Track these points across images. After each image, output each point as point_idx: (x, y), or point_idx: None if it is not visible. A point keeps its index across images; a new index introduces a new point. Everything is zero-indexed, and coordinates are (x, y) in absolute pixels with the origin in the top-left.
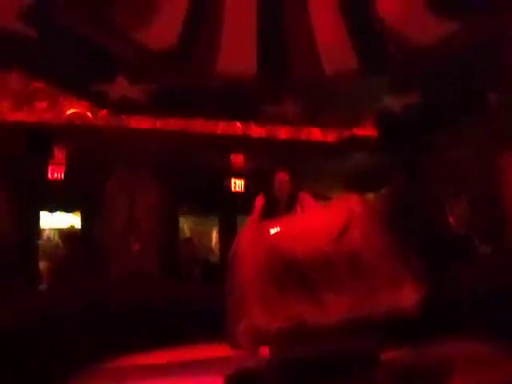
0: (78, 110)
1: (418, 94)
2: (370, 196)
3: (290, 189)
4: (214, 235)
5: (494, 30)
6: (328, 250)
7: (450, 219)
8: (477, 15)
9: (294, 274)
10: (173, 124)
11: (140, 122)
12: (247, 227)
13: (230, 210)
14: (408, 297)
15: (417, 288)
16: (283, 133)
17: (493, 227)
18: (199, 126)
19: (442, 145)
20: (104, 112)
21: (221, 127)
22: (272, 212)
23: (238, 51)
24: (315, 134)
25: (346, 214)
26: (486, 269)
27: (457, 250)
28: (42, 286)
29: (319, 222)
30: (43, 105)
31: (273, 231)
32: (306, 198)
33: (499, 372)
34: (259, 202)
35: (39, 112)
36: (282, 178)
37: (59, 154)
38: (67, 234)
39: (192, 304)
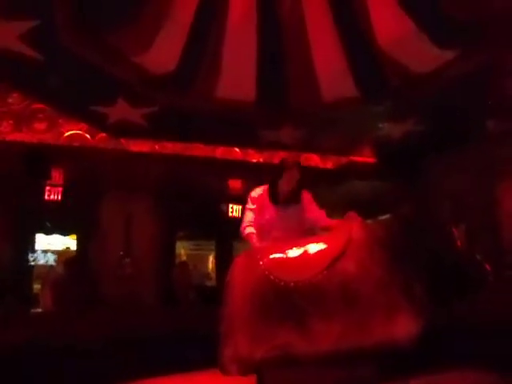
0: (77, 132)
1: (417, 121)
2: (372, 222)
3: (298, 184)
4: (211, 260)
5: (490, 58)
6: (320, 278)
7: (459, 244)
8: (473, 44)
9: (284, 302)
10: (172, 148)
11: (139, 146)
12: (242, 253)
13: (227, 236)
14: (403, 328)
15: (415, 319)
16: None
17: (491, 256)
18: (198, 150)
19: (441, 172)
20: (103, 134)
21: (219, 152)
22: (276, 201)
23: (237, 77)
24: (314, 160)
25: (342, 240)
26: (484, 298)
27: (468, 275)
28: (37, 308)
29: (314, 248)
30: (42, 126)
31: (266, 258)
32: (307, 197)
33: None
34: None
35: (38, 133)
36: (294, 174)
37: (57, 175)
38: (63, 256)
39: (187, 329)
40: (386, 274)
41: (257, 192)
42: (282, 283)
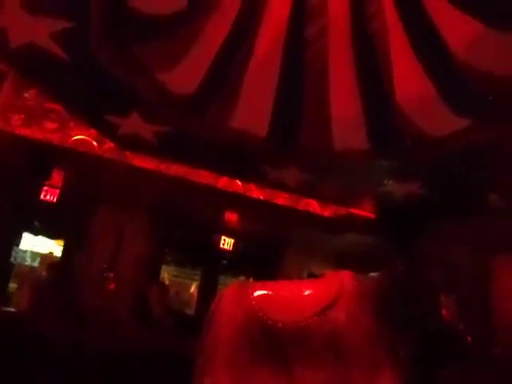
0: (85, 138)
1: (421, 184)
2: (363, 276)
3: None
4: (193, 289)
5: (500, 132)
6: (310, 322)
7: (444, 312)
8: (489, 116)
9: (269, 341)
10: (176, 170)
11: (144, 162)
12: (232, 285)
13: (215, 267)
14: None
15: (396, 378)
16: (281, 199)
17: (480, 331)
18: (201, 176)
19: (438, 238)
20: (110, 144)
21: (222, 182)
22: None
23: (253, 110)
24: (313, 205)
25: (335, 289)
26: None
27: (447, 344)
28: (10, 307)
29: (307, 292)
30: (52, 126)
31: (257, 293)
32: None
33: None
34: None
35: (47, 132)
36: None
37: (56, 177)
38: (47, 260)
39: (158, 352)
40: (374, 328)
41: None
42: (270, 322)
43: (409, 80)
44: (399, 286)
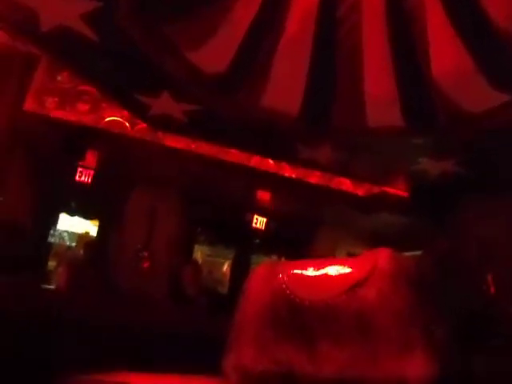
0: (118, 119)
1: (457, 161)
2: (403, 255)
3: None
4: (225, 268)
5: None
6: (338, 301)
7: (491, 291)
8: None
9: (296, 319)
10: (207, 149)
11: (175, 142)
12: (262, 264)
13: (247, 246)
14: (416, 367)
15: (430, 361)
16: (314, 178)
17: None
18: (233, 156)
19: (474, 216)
20: (142, 125)
21: (254, 161)
22: None
23: (284, 89)
24: (346, 184)
25: (368, 267)
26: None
27: (493, 325)
28: (49, 285)
29: (337, 270)
30: (85, 107)
31: (286, 272)
32: None
33: None
34: None
35: (80, 114)
36: None
37: (91, 158)
38: (82, 239)
39: (194, 330)
40: (407, 309)
41: None
42: (298, 300)
43: (446, 54)
44: (444, 264)
